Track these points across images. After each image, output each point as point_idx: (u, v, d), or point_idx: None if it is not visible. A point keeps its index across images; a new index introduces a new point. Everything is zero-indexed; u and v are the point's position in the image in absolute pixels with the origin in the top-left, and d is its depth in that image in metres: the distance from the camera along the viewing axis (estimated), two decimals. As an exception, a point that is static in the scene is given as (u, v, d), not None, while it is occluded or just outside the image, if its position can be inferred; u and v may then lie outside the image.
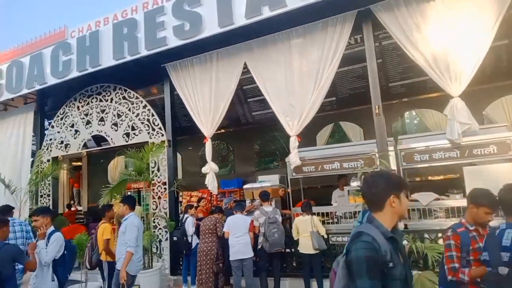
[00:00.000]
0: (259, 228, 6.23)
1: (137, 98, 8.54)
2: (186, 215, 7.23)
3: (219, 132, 12.56)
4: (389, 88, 9.54)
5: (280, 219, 6.29)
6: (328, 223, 6.48)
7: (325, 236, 6.09)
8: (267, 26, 6.61)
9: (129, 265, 4.62)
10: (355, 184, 6.61)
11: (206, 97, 7.51)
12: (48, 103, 10.69)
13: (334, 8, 6.27)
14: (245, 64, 7.21)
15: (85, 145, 11.38)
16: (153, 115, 8.27)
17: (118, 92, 8.81)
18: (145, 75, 8.42)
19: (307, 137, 10.68)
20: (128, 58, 7.55)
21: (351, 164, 6.47)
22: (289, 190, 7.01)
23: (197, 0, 6.81)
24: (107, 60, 7.82)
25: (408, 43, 5.89)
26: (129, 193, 10.74)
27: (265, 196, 6.40)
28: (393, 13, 6.02)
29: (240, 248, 5.90)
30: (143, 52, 7.36)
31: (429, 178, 7.48)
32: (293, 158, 6.58)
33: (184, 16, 6.91)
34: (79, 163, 13.97)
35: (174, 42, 7.03)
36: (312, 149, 7.09)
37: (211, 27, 6.66)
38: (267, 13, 6.19)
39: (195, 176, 11.89)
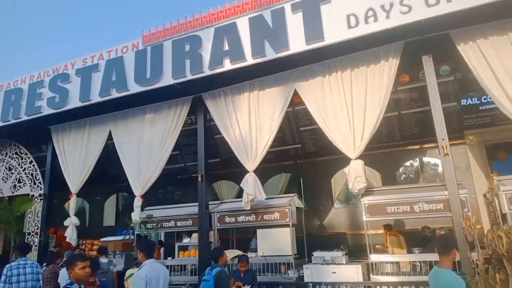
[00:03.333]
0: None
1: (26, 154, 9.57)
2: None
3: (124, 184, 13.62)
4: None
5: (113, 270, 7.19)
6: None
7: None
8: (127, 101, 7.91)
9: None
10: (186, 240, 7.67)
11: (76, 158, 8.63)
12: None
13: (176, 93, 7.63)
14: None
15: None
16: (36, 170, 9.27)
17: (12, 148, 9.83)
18: (37, 134, 9.51)
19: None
20: (12, 121, 8.68)
21: (183, 223, 7.58)
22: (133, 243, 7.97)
23: (67, 78, 8.15)
24: (-4, 121, 8.94)
25: (223, 125, 7.30)
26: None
27: (102, 250, 7.36)
28: (215, 101, 7.48)
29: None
30: (24, 117, 8.52)
31: (239, 237, 8.55)
32: (135, 216, 7.62)
33: (56, 90, 8.20)
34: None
35: (47, 110, 8.25)
36: (156, 208, 8.17)
37: (74, 101, 7.94)
38: (114, 94, 7.54)
39: (99, 225, 12.70)
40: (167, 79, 7.11)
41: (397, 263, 5.98)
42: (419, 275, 5.67)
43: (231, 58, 6.59)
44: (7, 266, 5.38)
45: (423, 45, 6.11)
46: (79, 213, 13.90)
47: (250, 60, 6.47)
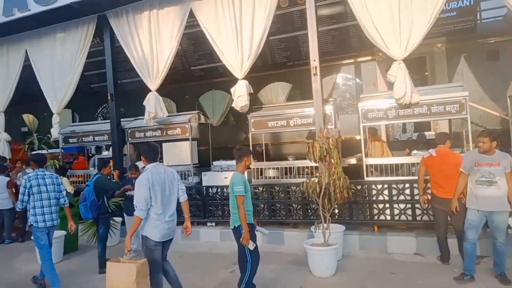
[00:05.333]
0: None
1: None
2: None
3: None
4: (191, 71, 11.26)
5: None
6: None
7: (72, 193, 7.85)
8: (37, 20, 7.85)
9: (149, 229, 3.65)
10: (105, 153, 8.47)
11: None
12: None
13: (80, 12, 7.60)
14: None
15: None
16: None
17: None
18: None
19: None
20: None
21: (100, 137, 8.31)
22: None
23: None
24: None
25: (126, 45, 7.53)
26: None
27: (27, 162, 8.09)
28: (118, 20, 7.56)
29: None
30: None
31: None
32: (54, 132, 8.26)
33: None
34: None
35: None
36: (78, 124, 8.82)
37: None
38: (17, 14, 7.58)
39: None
40: (64, -2, 7.10)
41: (278, 168, 6.91)
42: (292, 178, 6.68)
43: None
44: (25, 177, 4.84)
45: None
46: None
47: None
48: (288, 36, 9.72)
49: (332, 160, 4.96)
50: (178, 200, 3.89)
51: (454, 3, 8.38)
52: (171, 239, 3.89)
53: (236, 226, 4.03)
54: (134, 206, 3.61)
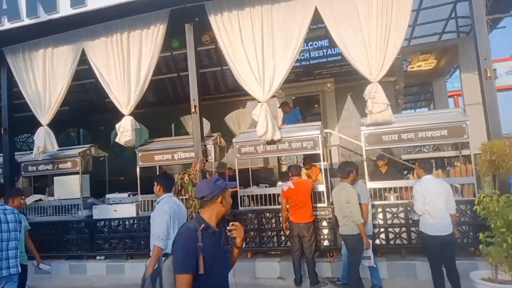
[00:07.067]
0: None
1: None
2: None
3: None
4: (105, 103, 11.45)
5: None
6: None
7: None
8: None
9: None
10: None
11: None
12: None
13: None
14: None
15: None
16: None
17: None
18: None
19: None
20: None
21: None
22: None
23: None
24: None
25: (20, 81, 7.67)
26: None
27: None
28: (15, 56, 7.73)
29: None
30: None
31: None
32: None
33: None
34: None
35: None
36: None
37: None
38: None
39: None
40: (-46, 33, 7.18)
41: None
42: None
43: (8, 17, 6.84)
44: None
45: (186, 14, 6.81)
46: None
47: (26, 21, 6.78)
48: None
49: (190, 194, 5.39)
50: None
51: (339, 48, 9.43)
52: None
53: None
54: (155, 236, 3.49)
